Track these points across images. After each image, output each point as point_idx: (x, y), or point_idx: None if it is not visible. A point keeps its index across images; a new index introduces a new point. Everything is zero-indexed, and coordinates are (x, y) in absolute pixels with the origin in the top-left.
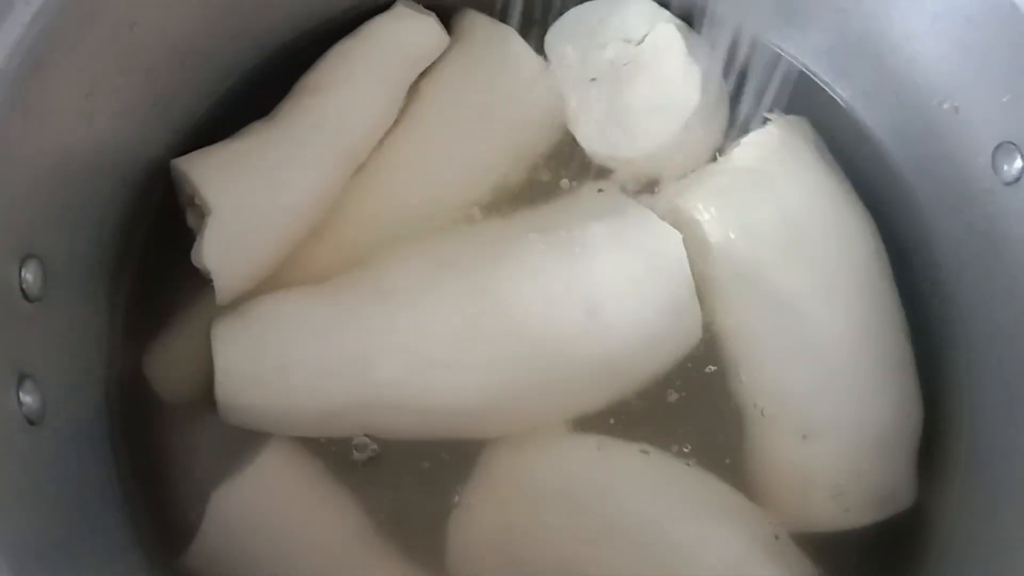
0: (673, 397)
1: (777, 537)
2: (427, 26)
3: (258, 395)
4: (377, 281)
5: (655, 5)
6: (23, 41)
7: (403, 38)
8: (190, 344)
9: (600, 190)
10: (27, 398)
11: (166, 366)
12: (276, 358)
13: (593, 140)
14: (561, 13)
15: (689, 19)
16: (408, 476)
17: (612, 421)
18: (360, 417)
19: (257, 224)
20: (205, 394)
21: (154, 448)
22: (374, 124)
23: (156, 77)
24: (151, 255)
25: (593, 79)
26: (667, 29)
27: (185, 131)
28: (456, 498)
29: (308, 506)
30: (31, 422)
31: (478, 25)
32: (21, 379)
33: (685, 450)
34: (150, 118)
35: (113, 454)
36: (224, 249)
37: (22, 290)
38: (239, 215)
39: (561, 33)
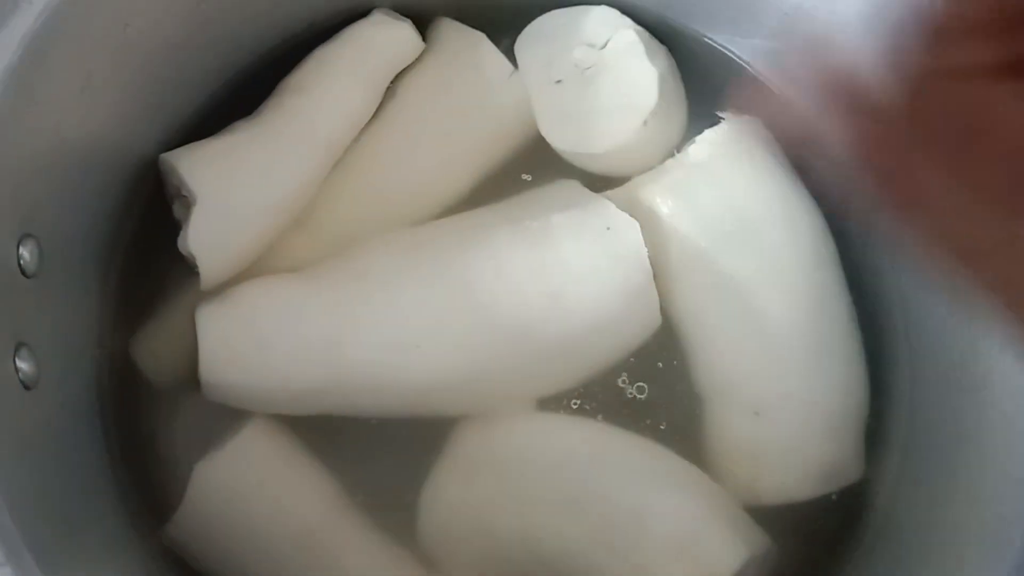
0: (633, 380)
1: (732, 508)
2: (403, 31)
3: (239, 373)
4: (351, 267)
5: (617, 13)
6: (28, 35)
7: (380, 42)
8: (175, 328)
9: (564, 184)
10: (23, 364)
11: (153, 348)
12: (256, 339)
13: (559, 137)
14: (529, 21)
15: (648, 26)
16: (382, 453)
17: (575, 404)
18: (336, 395)
19: (240, 213)
20: (190, 375)
21: (141, 423)
22: (352, 122)
23: (147, 76)
24: (140, 245)
25: (559, 81)
26: (627, 35)
27: (174, 128)
28: (428, 473)
29: (287, 480)
30: (26, 387)
31: (451, 31)
32: (18, 347)
33: (644, 429)
34: (141, 114)
35: (102, 426)
36: (208, 236)
37: (20, 266)
38: (223, 205)
39: (529, 39)
